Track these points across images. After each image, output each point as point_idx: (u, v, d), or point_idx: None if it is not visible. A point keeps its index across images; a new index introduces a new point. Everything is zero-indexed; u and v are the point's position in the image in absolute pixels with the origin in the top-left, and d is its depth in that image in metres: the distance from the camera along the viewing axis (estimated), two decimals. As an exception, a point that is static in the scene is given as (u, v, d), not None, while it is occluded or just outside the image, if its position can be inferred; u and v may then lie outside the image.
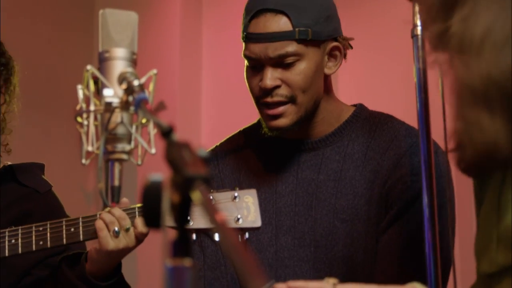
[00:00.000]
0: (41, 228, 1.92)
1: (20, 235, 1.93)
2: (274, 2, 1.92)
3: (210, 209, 0.90)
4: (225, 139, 2.18)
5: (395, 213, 1.90)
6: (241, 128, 2.17)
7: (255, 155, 2.08)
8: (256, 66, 1.95)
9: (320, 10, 1.94)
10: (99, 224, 1.87)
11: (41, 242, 1.91)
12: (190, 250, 0.97)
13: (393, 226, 1.89)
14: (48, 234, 1.91)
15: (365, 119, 2.03)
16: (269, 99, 1.92)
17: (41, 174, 2.29)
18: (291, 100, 1.91)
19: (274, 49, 1.89)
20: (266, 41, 1.90)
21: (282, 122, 1.93)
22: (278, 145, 2.04)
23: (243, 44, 1.97)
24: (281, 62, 1.91)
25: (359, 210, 1.92)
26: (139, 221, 1.88)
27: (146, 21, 3.89)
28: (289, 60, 1.90)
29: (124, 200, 1.93)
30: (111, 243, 1.86)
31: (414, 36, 1.80)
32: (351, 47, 2.04)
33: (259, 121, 2.11)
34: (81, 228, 1.90)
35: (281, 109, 1.91)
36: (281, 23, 1.90)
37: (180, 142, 1.04)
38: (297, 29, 1.89)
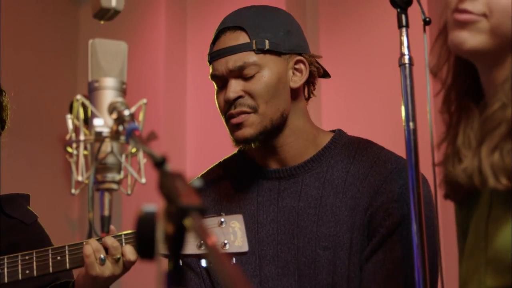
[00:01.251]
0: (27, 257, 1.91)
1: (6, 264, 1.91)
2: (233, 20, 2.00)
3: (203, 234, 0.90)
4: (204, 171, 2.18)
5: (377, 241, 1.89)
6: (220, 160, 2.18)
7: (235, 186, 2.09)
8: (222, 85, 1.99)
9: (278, 24, 1.99)
10: (87, 250, 1.87)
11: (27, 271, 1.90)
12: (184, 280, 0.96)
13: (376, 254, 1.89)
14: (34, 262, 1.90)
15: (344, 145, 2.03)
16: (232, 110, 1.95)
17: (27, 205, 2.27)
18: (254, 109, 1.94)
19: (234, 61, 1.94)
20: (226, 55, 1.96)
21: (246, 131, 1.95)
22: (257, 173, 2.05)
23: (210, 67, 2.02)
24: (242, 74, 1.95)
25: (341, 238, 1.91)
26: (127, 249, 1.88)
27: (131, 49, 3.88)
28: (250, 71, 1.94)
29: (111, 228, 1.93)
30: (97, 270, 1.86)
31: (401, 65, 1.80)
32: (326, 73, 2.06)
33: (238, 152, 2.13)
34: (67, 256, 1.90)
35: (242, 116, 1.94)
36: (240, 38, 1.97)
37: (173, 172, 1.04)
38: (254, 40, 1.95)
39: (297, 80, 2.00)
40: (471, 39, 1.29)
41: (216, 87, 2.02)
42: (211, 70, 2.01)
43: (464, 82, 1.42)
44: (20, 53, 4.24)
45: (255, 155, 2.05)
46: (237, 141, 1.97)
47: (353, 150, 2.00)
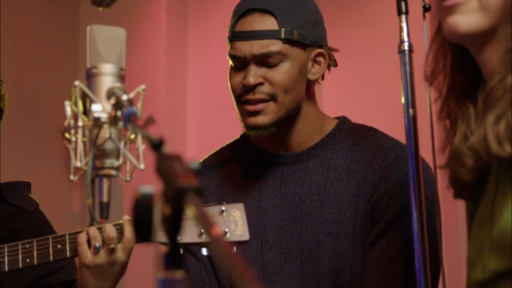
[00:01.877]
0: (27, 246, 1.90)
1: (6, 253, 1.91)
2: (262, 2, 1.93)
3: (205, 222, 0.90)
4: (207, 155, 2.16)
5: (381, 228, 1.88)
6: (224, 144, 2.16)
7: (238, 170, 2.07)
8: (240, 67, 1.94)
9: (307, 14, 1.95)
10: (80, 238, 1.86)
11: (27, 260, 1.89)
12: (181, 262, 0.96)
13: (380, 241, 1.88)
14: (35, 251, 1.90)
15: (348, 132, 2.02)
16: (250, 96, 1.91)
17: (28, 193, 2.26)
18: (273, 98, 1.90)
19: (259, 47, 1.90)
20: (252, 39, 1.91)
21: (261, 119, 1.92)
22: (261, 159, 2.04)
23: (229, 44, 1.96)
24: (265, 62, 1.90)
25: (344, 224, 1.90)
26: (127, 230, 1.87)
27: (131, 37, 3.88)
28: (274, 60, 1.90)
29: (125, 217, 1.92)
30: (89, 257, 1.85)
31: (401, 51, 1.80)
32: (335, 63, 2.04)
33: (241, 137, 2.11)
34: (67, 244, 1.89)
35: (261, 105, 1.90)
36: (268, 23, 1.91)
37: (171, 154, 1.03)
38: (283, 29, 1.90)
39: (315, 72, 1.97)
40: (465, 20, 1.30)
41: (231, 65, 1.97)
42: (231, 49, 1.94)
43: (462, 82, 1.42)
44: (20, 45, 4.23)
45: (260, 140, 2.02)
46: (249, 127, 1.94)
47: (358, 137, 2.00)
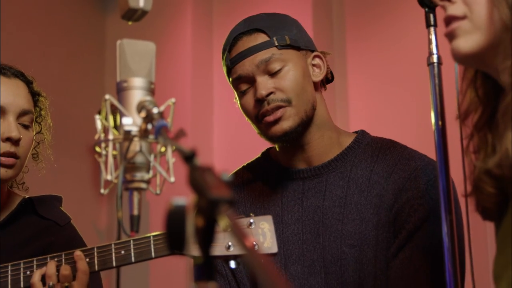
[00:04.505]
0: (56, 259, 1.91)
1: (35, 266, 1.91)
2: (246, 25, 2.02)
3: (238, 233, 0.89)
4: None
5: (404, 237, 1.89)
6: (244, 163, 2.19)
7: (259, 187, 2.10)
8: (246, 88, 1.99)
9: (290, 24, 2.04)
10: (34, 277, 1.87)
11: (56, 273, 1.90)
12: (214, 273, 0.96)
13: (403, 251, 1.89)
14: (63, 265, 1.90)
15: (367, 144, 2.05)
16: (267, 108, 1.95)
17: (60, 206, 2.28)
18: (288, 102, 1.95)
19: (260, 56, 1.96)
20: (249, 55, 1.97)
21: (285, 124, 1.95)
22: (281, 174, 2.06)
23: (228, 75, 2.04)
24: (269, 70, 1.96)
25: (367, 235, 1.92)
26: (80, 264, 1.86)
27: (158, 51, 3.91)
28: (276, 66, 1.95)
29: (76, 252, 1.90)
30: None
31: (430, 64, 1.79)
32: (332, 75, 2.08)
33: (262, 155, 2.15)
34: (96, 258, 1.89)
35: (280, 111, 1.94)
36: (259, 38, 1.99)
37: (203, 166, 1.03)
38: (274, 37, 1.98)
39: (317, 74, 2.03)
40: (464, 43, 1.34)
41: (238, 93, 2.02)
42: (232, 74, 2.01)
43: (485, 113, 1.44)
44: (47, 59, 4.26)
45: (280, 157, 2.06)
46: (275, 137, 1.97)
47: (377, 150, 2.02)
